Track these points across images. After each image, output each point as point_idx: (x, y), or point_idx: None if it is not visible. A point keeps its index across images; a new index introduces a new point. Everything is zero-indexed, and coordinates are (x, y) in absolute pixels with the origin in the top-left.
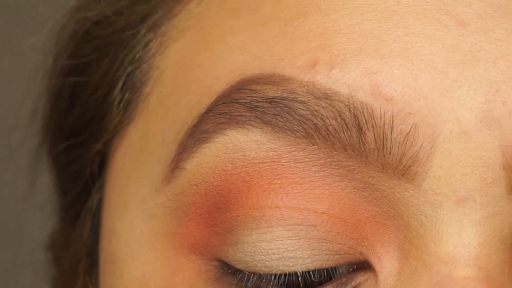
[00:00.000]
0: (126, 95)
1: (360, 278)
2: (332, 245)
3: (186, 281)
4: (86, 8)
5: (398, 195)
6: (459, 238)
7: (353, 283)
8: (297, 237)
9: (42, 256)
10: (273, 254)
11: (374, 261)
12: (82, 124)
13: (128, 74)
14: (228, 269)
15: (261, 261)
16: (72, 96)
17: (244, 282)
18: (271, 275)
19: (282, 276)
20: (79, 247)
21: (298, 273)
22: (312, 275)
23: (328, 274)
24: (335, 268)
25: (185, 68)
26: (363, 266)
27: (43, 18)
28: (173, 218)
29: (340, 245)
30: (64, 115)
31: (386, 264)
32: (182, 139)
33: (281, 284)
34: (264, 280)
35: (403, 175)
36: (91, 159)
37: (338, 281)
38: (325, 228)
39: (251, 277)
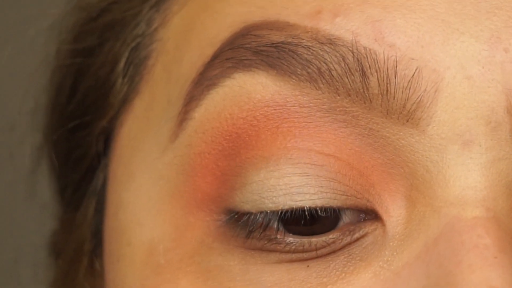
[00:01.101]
0: (130, 69)
1: (368, 227)
2: (339, 185)
3: (194, 240)
4: None
5: (403, 141)
6: (466, 181)
7: (361, 232)
8: (305, 174)
9: (43, 257)
10: (281, 189)
11: (381, 210)
12: (85, 106)
13: (132, 49)
14: (234, 215)
15: (268, 197)
16: (76, 80)
17: (250, 222)
18: (278, 211)
19: (289, 212)
20: (83, 229)
21: (305, 208)
22: (319, 211)
23: (335, 214)
24: (342, 210)
25: (187, 31)
26: (370, 215)
27: (44, 10)
28: (180, 176)
29: (348, 187)
30: (67, 101)
31: (394, 213)
32: (188, 90)
33: (287, 220)
34: (271, 218)
35: (407, 121)
36: (96, 137)
37: (346, 229)
38: (333, 169)
39: (258, 216)
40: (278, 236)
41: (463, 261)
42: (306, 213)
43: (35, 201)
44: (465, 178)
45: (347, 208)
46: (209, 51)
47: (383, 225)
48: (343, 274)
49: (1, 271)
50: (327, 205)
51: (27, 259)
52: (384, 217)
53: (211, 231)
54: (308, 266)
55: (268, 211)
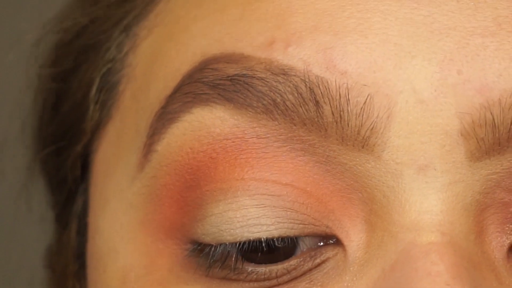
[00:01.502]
0: (102, 95)
1: (329, 252)
2: (296, 214)
3: (164, 267)
4: (64, 19)
5: (360, 167)
6: (422, 206)
7: (321, 257)
8: (262, 205)
9: (40, 272)
10: (238, 222)
11: (342, 235)
12: (63, 130)
13: (103, 75)
14: (198, 247)
15: (226, 230)
16: (55, 104)
17: (211, 254)
18: (236, 243)
19: (246, 243)
20: (68, 252)
21: (262, 239)
22: (276, 241)
23: (293, 242)
24: (301, 238)
25: (153, 61)
26: (330, 240)
27: (23, 32)
28: (148, 204)
29: (305, 215)
30: (49, 123)
31: (354, 238)
32: (152, 122)
33: (245, 251)
34: (230, 250)
35: (362, 147)
36: (72, 163)
37: (306, 255)
38: (290, 199)
39: (217, 248)
40: (238, 266)
41: None
42: (263, 244)
43: (32, 215)
44: (420, 202)
45: (306, 236)
46: (172, 84)
47: (344, 250)
48: None
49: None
50: (285, 235)
51: (24, 272)
52: (345, 241)
53: (179, 259)
54: None
55: (227, 243)
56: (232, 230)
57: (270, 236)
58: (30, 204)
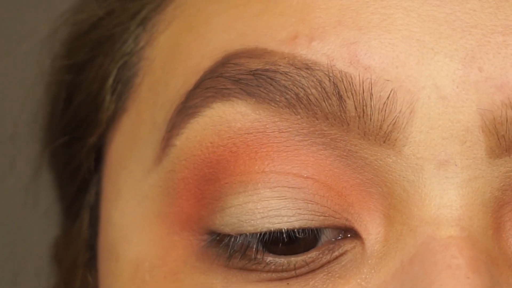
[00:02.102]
0: (118, 87)
1: (347, 245)
2: (317, 206)
3: (179, 258)
4: (80, 11)
5: (380, 162)
6: (442, 201)
7: (340, 250)
8: (283, 197)
9: (46, 265)
10: (259, 213)
11: (360, 228)
12: (77, 121)
13: (120, 67)
14: (216, 237)
15: (247, 221)
16: (68, 95)
17: (231, 244)
18: (257, 233)
19: (267, 234)
20: (78, 242)
21: (283, 230)
22: (296, 232)
23: (313, 234)
24: (320, 230)
25: (172, 54)
26: (349, 233)
27: (37, 23)
28: (165, 197)
29: (325, 207)
30: (62, 115)
31: (372, 231)
32: (171, 117)
33: (265, 242)
34: (250, 240)
35: (384, 142)
36: (86, 153)
37: (325, 247)
38: (311, 191)
39: (238, 238)
40: (258, 256)
41: (435, 281)
42: (284, 235)
43: (38, 208)
44: (440, 197)
45: (326, 228)
46: (193, 79)
47: (362, 243)
48: None
49: (4, 279)
50: (305, 226)
51: (29, 266)
52: (363, 235)
53: (194, 250)
54: (288, 284)
55: (248, 234)
56: (252, 221)
57: (291, 227)
58: (37, 197)
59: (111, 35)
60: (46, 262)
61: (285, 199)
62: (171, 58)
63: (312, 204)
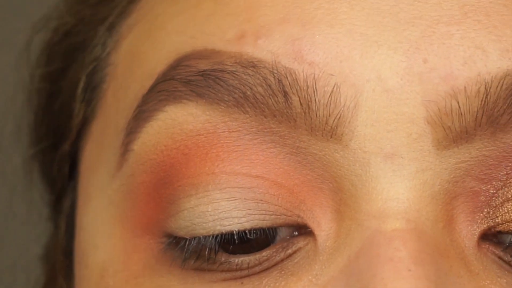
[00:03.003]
0: (87, 93)
1: (301, 242)
2: (268, 206)
3: (140, 262)
4: (52, 19)
5: (329, 157)
6: (388, 194)
7: (293, 247)
8: (233, 198)
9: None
10: (210, 215)
11: (313, 225)
12: (52, 129)
13: (88, 74)
14: (173, 241)
15: (199, 224)
16: (46, 104)
17: (186, 248)
18: (209, 236)
19: (219, 236)
20: (57, 249)
21: (234, 232)
22: (248, 234)
23: (265, 234)
24: (273, 229)
25: (132, 59)
26: (303, 230)
27: (13, 33)
28: (127, 202)
29: (277, 206)
30: (40, 123)
31: (325, 227)
32: (128, 122)
33: (218, 243)
34: (203, 243)
35: (331, 136)
36: (59, 161)
37: (279, 246)
38: (261, 190)
39: (192, 241)
40: (212, 256)
41: (377, 274)
42: (235, 237)
43: (31, 214)
44: (387, 190)
45: (278, 226)
46: (148, 83)
47: (315, 239)
48: None
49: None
50: (256, 227)
51: (22, 268)
52: (316, 231)
53: (154, 253)
54: (242, 283)
55: (201, 237)
56: (204, 224)
57: (242, 228)
58: (29, 203)
59: (82, 41)
60: (36, 268)
61: (235, 200)
62: (131, 63)
63: (262, 203)
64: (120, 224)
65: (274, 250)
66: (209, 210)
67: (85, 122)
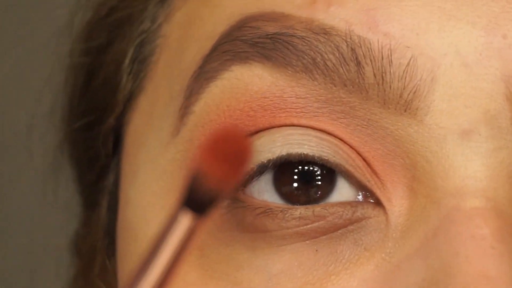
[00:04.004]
0: (135, 66)
1: (370, 211)
2: (341, 151)
3: (202, 232)
4: None
5: (401, 131)
6: (466, 171)
7: (362, 211)
8: (306, 134)
9: (65, 259)
10: (279, 141)
11: (384, 199)
12: (94, 105)
13: (136, 46)
14: (235, 201)
15: (268, 150)
16: (86, 80)
17: (250, 203)
18: (274, 159)
19: (285, 157)
20: (97, 228)
21: (302, 155)
22: (316, 159)
23: (330, 178)
24: (340, 174)
25: (187, 27)
26: (370, 198)
27: (55, 9)
28: (183, 171)
29: (349, 157)
30: (80, 99)
31: (396, 203)
32: (189, 84)
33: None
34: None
35: (405, 110)
36: (104, 137)
37: (346, 203)
38: (334, 143)
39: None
40: (278, 211)
41: (460, 252)
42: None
43: (58, 202)
44: (465, 168)
45: (346, 174)
46: (208, 45)
47: (385, 213)
48: (348, 264)
49: (24, 272)
50: (326, 158)
51: (49, 259)
52: (387, 205)
53: (217, 222)
54: (316, 250)
55: (265, 161)
56: (273, 148)
57: (311, 154)
58: (56, 190)
59: (129, 16)
60: (65, 256)
61: (309, 135)
62: (186, 31)
63: (335, 147)
64: (174, 195)
65: (341, 206)
66: (279, 138)
67: (131, 95)
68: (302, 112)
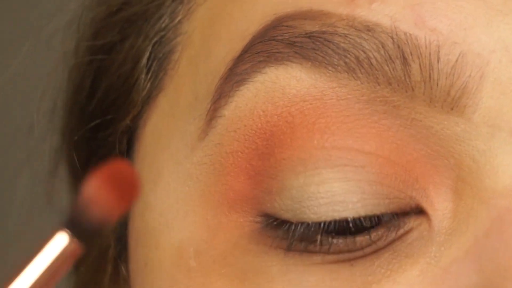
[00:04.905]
0: (154, 65)
1: (412, 222)
2: (382, 188)
3: (228, 241)
4: None
5: (447, 131)
6: None
7: (405, 227)
8: (346, 179)
9: None
10: (322, 198)
11: (426, 205)
12: (107, 105)
13: (155, 44)
14: (273, 222)
15: (310, 207)
16: (96, 78)
17: (291, 233)
18: (320, 222)
19: (332, 223)
20: (107, 235)
21: (349, 219)
22: (363, 221)
23: (379, 220)
24: (385, 214)
25: (213, 24)
26: (414, 210)
27: (61, 6)
28: (210, 175)
29: (390, 188)
30: (88, 99)
31: (439, 207)
32: (217, 86)
33: (331, 231)
34: (312, 229)
35: (452, 109)
36: (118, 137)
37: (390, 225)
38: (374, 170)
39: (299, 226)
40: (321, 239)
41: None
42: (351, 224)
43: (53, 205)
44: None
45: (391, 212)
46: (239, 45)
47: (429, 219)
48: (388, 272)
49: None
50: (371, 214)
51: None
52: (430, 211)
53: (246, 233)
54: (351, 265)
55: (310, 222)
56: (316, 208)
57: (357, 216)
58: (53, 193)
59: (144, 12)
60: None
61: (349, 181)
62: (212, 28)
63: (376, 185)
64: (201, 200)
65: (384, 230)
66: (321, 191)
67: (150, 95)
68: (343, 115)
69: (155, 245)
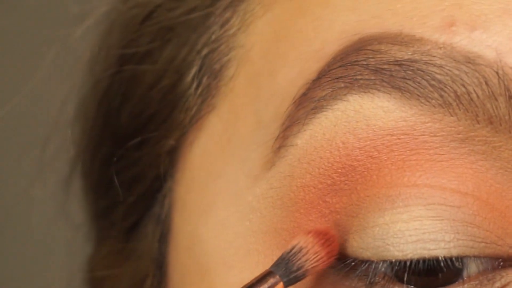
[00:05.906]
0: (204, 81)
1: (510, 275)
2: (478, 230)
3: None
4: None
5: None
6: None
7: (502, 281)
8: (439, 218)
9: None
10: (410, 235)
11: None
12: (144, 121)
13: (204, 57)
14: (351, 263)
15: (395, 244)
16: (127, 91)
17: (371, 273)
18: (405, 261)
19: (420, 262)
20: (144, 262)
21: (440, 258)
22: (455, 262)
23: (472, 263)
24: (479, 258)
25: (278, 40)
26: (510, 262)
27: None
28: (277, 211)
29: (488, 232)
30: (117, 112)
31: None
32: (289, 112)
33: (419, 272)
34: (396, 268)
35: None
36: (161, 159)
37: (484, 276)
38: (471, 211)
39: (380, 264)
40: (407, 278)
41: None
42: (442, 264)
43: (67, 221)
44: None
45: (485, 257)
46: (313, 67)
47: None
48: None
49: None
50: (463, 254)
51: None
52: None
53: (317, 277)
54: None
55: (393, 260)
56: (402, 245)
57: (449, 255)
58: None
59: (187, 19)
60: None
61: (442, 220)
62: (277, 44)
63: (472, 227)
64: (264, 237)
65: (477, 281)
66: (410, 229)
67: (198, 114)
68: (436, 154)
69: (208, 284)
